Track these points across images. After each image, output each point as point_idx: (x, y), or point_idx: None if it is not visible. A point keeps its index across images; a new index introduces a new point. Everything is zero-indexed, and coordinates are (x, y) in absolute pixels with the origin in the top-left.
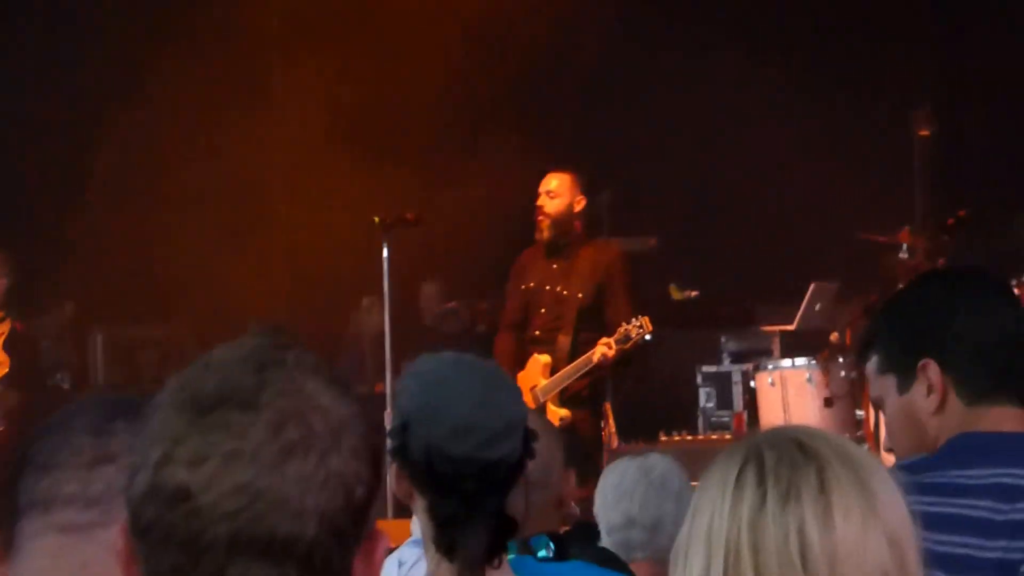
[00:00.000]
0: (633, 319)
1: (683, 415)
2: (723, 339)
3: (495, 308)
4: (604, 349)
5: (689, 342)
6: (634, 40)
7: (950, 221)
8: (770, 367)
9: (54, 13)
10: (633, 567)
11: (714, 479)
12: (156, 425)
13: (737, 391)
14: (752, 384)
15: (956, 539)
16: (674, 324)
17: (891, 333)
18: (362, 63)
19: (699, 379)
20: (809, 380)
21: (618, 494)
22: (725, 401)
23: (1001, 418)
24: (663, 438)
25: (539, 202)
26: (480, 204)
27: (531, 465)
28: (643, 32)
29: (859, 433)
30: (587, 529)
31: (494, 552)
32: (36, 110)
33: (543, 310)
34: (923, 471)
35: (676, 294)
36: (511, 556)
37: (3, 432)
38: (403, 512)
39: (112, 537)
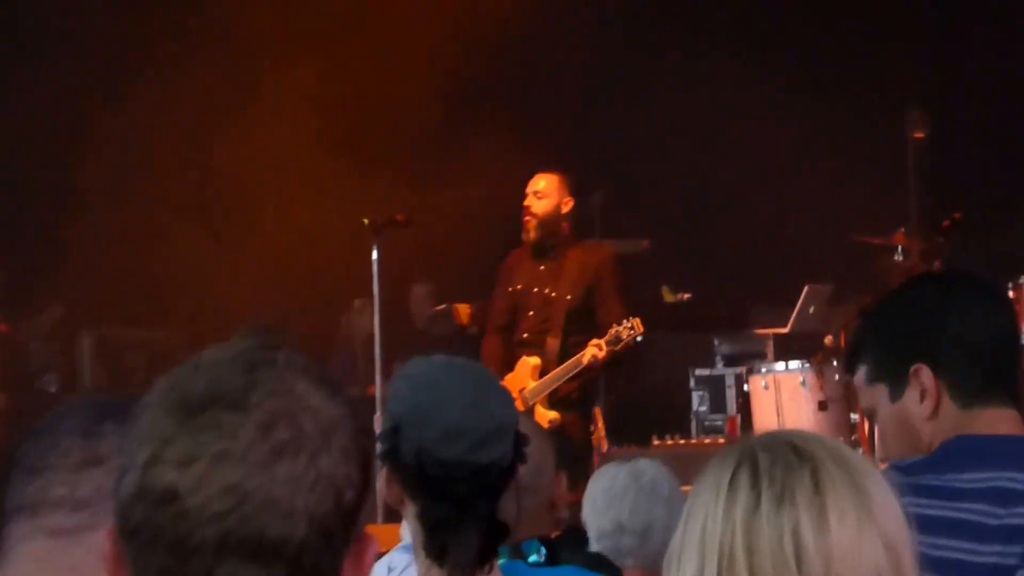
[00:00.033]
0: (624, 320)
1: (676, 419)
2: (716, 342)
3: (482, 309)
4: (594, 350)
5: (682, 345)
6: (627, 41)
7: (945, 223)
8: (764, 370)
9: (45, 14)
10: (624, 574)
11: (707, 483)
12: (145, 426)
13: (730, 394)
14: (746, 387)
15: (950, 543)
16: (667, 327)
17: (880, 341)
18: (352, 64)
19: (692, 382)
20: (803, 383)
21: (607, 500)
22: (718, 405)
23: (995, 420)
24: (656, 442)
25: (526, 202)
26: (471, 205)
27: (522, 469)
28: (636, 33)
29: (854, 437)
30: (578, 533)
31: (485, 557)
32: (26, 111)
33: (531, 312)
34: (917, 473)
35: (669, 296)
36: (502, 561)
37: None
38: (393, 517)
39: (101, 540)
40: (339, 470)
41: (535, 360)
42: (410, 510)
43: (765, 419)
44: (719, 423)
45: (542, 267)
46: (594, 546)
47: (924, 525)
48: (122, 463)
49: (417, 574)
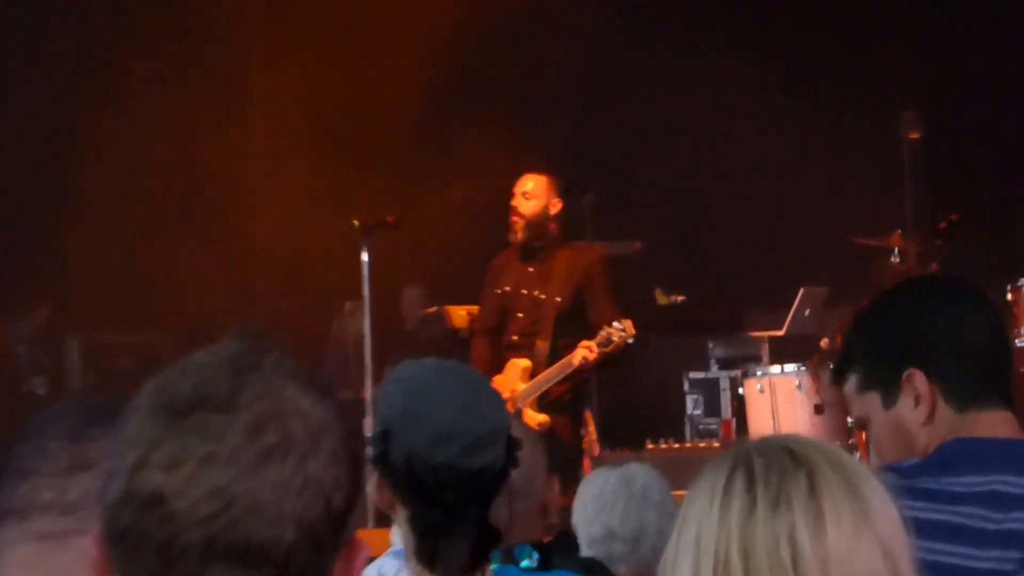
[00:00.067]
0: (615, 322)
1: (670, 422)
2: (711, 345)
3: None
4: (585, 352)
5: (676, 348)
6: (620, 41)
7: (942, 225)
8: (759, 373)
9: (29, 17)
10: None
11: (702, 488)
12: (132, 429)
13: (725, 398)
14: (740, 391)
15: (947, 548)
16: (660, 330)
17: (869, 349)
18: (343, 65)
19: (686, 386)
20: (799, 387)
21: (598, 505)
22: (713, 408)
23: (993, 422)
24: (649, 446)
25: (514, 203)
26: (463, 207)
27: (514, 473)
28: (629, 34)
29: (851, 441)
30: (570, 538)
31: (477, 562)
32: (11, 114)
33: (520, 314)
34: (914, 475)
35: (662, 299)
36: (494, 566)
37: None
38: (384, 521)
39: (89, 545)
40: (328, 474)
41: (525, 362)
42: (401, 515)
43: (760, 423)
44: (713, 427)
45: (531, 269)
46: (585, 552)
47: (920, 529)
48: (109, 467)
49: None
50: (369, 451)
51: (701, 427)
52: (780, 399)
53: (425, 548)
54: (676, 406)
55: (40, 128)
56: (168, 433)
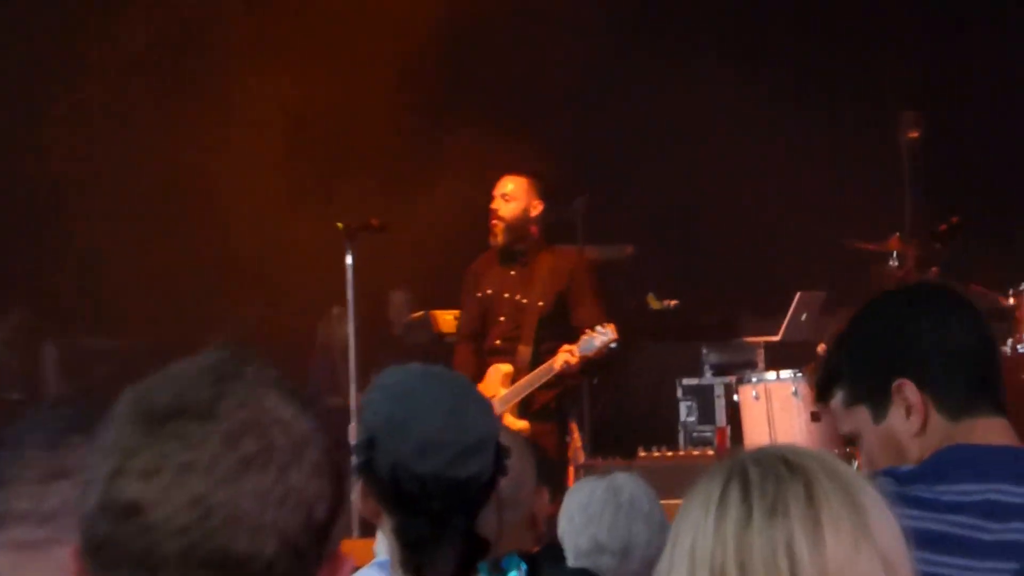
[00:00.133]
0: (599, 326)
1: (663, 430)
2: (705, 351)
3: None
4: (567, 356)
5: (669, 354)
6: (611, 44)
7: (943, 227)
8: (754, 380)
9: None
10: None
11: (696, 499)
12: (109, 437)
13: (720, 405)
14: (735, 398)
15: (943, 559)
16: (653, 335)
17: (855, 362)
18: (326, 68)
19: (680, 392)
20: (795, 393)
21: (585, 517)
22: (707, 415)
23: (988, 430)
24: (642, 454)
25: (493, 205)
26: (450, 211)
27: (503, 482)
28: (621, 36)
29: (848, 449)
30: (559, 549)
31: (463, 573)
32: None
33: (502, 319)
34: (909, 482)
35: (655, 304)
36: None
37: None
38: (369, 532)
39: (67, 556)
40: (310, 485)
41: (507, 367)
42: (386, 525)
43: (756, 430)
44: (708, 434)
45: (512, 272)
46: (572, 565)
47: (915, 538)
48: (87, 476)
49: None
50: (353, 459)
51: (695, 435)
52: (776, 406)
53: (411, 559)
54: (669, 413)
55: (16, 132)
56: (146, 441)
